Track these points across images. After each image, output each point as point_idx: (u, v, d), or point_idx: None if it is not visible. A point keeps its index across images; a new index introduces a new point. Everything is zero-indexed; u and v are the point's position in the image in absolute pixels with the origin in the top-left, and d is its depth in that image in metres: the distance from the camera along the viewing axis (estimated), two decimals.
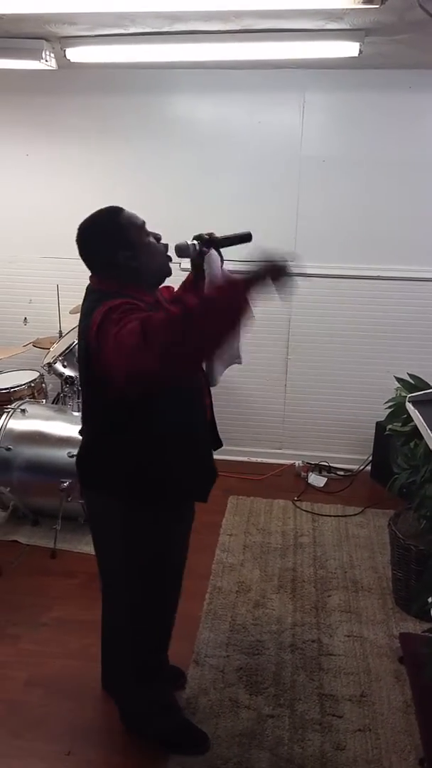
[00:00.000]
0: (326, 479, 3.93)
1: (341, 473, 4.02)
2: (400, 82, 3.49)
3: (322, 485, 3.88)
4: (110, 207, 1.78)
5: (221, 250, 1.88)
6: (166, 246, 1.80)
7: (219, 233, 1.88)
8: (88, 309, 1.69)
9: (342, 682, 2.38)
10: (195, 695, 2.30)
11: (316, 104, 3.60)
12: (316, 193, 3.73)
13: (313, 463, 4.04)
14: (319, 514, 3.55)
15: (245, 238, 1.88)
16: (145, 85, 3.66)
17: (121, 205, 1.84)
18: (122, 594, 1.94)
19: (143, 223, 1.77)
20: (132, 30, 2.71)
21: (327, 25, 2.59)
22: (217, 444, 2.03)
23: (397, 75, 3.47)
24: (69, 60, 3.01)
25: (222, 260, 1.89)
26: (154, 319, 1.45)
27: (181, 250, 1.78)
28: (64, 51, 2.93)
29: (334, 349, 3.94)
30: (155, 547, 1.86)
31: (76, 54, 2.95)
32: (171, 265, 1.81)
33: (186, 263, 1.88)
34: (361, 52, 2.76)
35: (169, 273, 1.80)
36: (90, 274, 1.80)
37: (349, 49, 2.75)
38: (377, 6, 2.16)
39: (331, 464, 4.05)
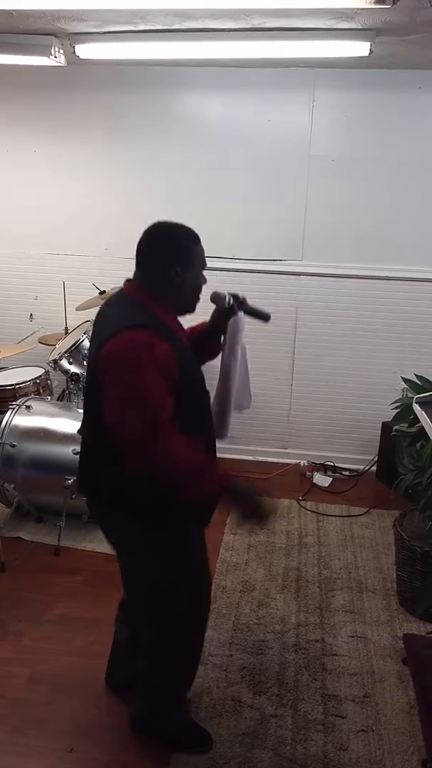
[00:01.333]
0: (331, 479, 3.93)
1: (346, 473, 4.01)
2: (410, 82, 3.48)
3: (327, 485, 3.87)
4: (188, 228, 1.79)
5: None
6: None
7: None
8: (115, 320, 1.70)
9: (345, 683, 2.38)
10: (198, 694, 2.30)
11: (326, 103, 3.59)
12: (325, 192, 3.72)
13: (318, 462, 4.03)
14: (323, 514, 3.55)
15: (266, 317, 2.04)
16: (154, 83, 3.66)
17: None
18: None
19: (205, 263, 1.84)
20: (142, 27, 2.71)
21: (338, 24, 2.58)
22: None
23: (407, 75, 3.46)
24: (78, 56, 3.01)
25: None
26: (154, 443, 1.59)
27: (218, 299, 1.95)
28: (74, 47, 2.93)
29: (341, 348, 3.93)
30: (177, 563, 1.86)
31: (85, 51, 2.95)
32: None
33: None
34: (371, 51, 2.75)
35: (193, 309, 1.86)
36: (126, 278, 1.83)
37: (360, 48, 2.74)
38: (389, 6, 2.15)
39: (337, 464, 4.04)
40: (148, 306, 1.73)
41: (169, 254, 1.74)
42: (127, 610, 2.18)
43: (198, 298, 1.84)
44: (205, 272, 1.84)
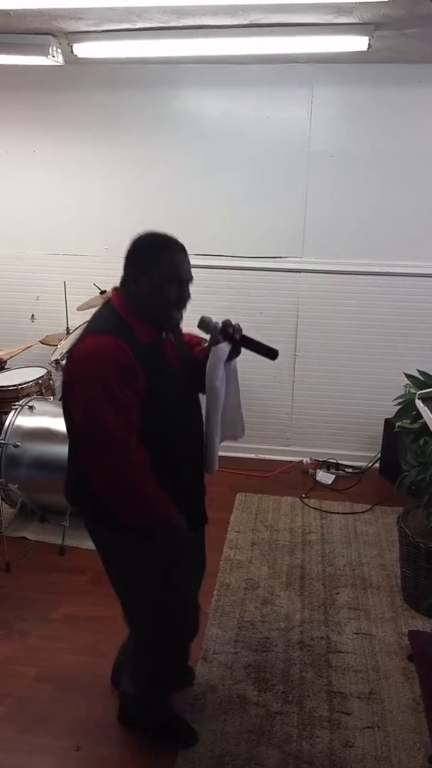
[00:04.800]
0: (334, 476, 3.92)
1: (349, 470, 4.00)
2: (409, 76, 3.46)
3: (330, 482, 3.87)
4: (168, 237, 1.74)
5: (244, 350, 1.88)
6: (179, 301, 1.76)
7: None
8: (88, 326, 1.78)
9: (350, 680, 2.38)
10: (203, 692, 2.30)
11: (324, 99, 3.58)
12: (325, 188, 3.71)
13: (321, 460, 4.03)
14: (327, 512, 3.54)
15: (270, 353, 1.87)
16: (152, 81, 3.65)
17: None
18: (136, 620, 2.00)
19: (177, 276, 1.72)
20: (139, 25, 2.70)
21: (336, 19, 2.57)
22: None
23: (406, 69, 3.44)
24: (76, 56, 3.00)
25: (232, 356, 1.87)
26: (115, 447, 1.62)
27: (203, 324, 1.82)
28: (71, 46, 2.93)
29: (343, 345, 3.93)
30: (145, 571, 1.85)
31: (82, 50, 2.94)
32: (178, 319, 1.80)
33: None
34: (370, 46, 2.74)
35: (165, 323, 1.77)
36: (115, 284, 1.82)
37: (358, 43, 2.73)
38: (387, 0, 2.14)
39: (339, 461, 4.04)
40: (121, 314, 1.72)
41: (132, 260, 1.73)
42: None
43: (167, 311, 1.74)
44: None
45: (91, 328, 1.73)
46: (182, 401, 1.83)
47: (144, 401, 1.66)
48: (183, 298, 1.75)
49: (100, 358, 1.62)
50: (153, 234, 1.75)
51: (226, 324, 1.82)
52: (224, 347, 1.82)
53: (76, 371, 1.68)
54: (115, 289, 1.79)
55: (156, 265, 1.70)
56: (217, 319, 1.85)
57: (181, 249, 1.74)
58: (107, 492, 1.68)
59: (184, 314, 1.80)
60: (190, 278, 1.76)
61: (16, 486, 3.20)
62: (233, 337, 1.82)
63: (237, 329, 1.82)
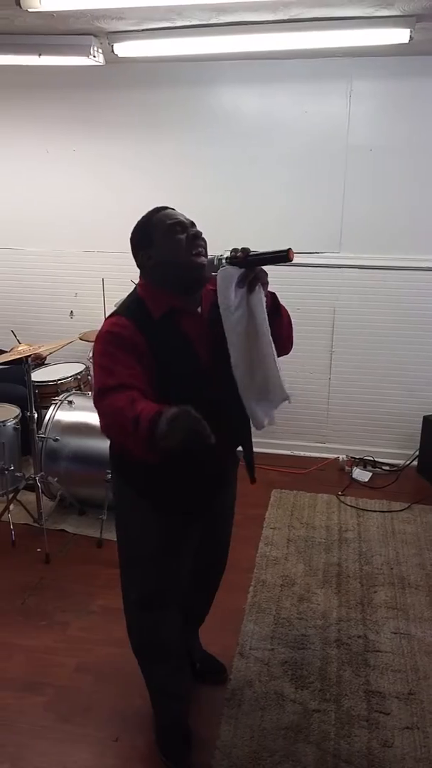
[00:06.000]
0: (371, 474, 3.89)
1: (386, 468, 3.96)
2: None
3: (366, 480, 3.84)
4: (155, 207, 1.76)
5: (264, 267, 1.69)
6: (193, 242, 1.69)
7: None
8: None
9: (389, 679, 2.36)
10: (240, 687, 2.32)
11: (364, 92, 3.54)
12: (363, 182, 3.67)
13: (357, 457, 4.00)
14: (364, 510, 3.52)
15: (280, 257, 1.62)
16: (190, 78, 3.66)
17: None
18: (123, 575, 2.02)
19: (176, 222, 1.69)
20: (179, 23, 2.72)
21: (377, 12, 2.54)
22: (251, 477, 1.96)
23: None
24: (116, 55, 3.03)
25: (250, 281, 1.67)
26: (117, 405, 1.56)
27: (210, 265, 1.68)
28: (112, 46, 2.95)
29: (381, 341, 3.88)
30: (144, 538, 1.88)
31: (123, 49, 2.97)
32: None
33: None
34: (411, 38, 2.70)
35: (193, 279, 1.70)
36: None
37: (400, 35, 2.70)
38: None
39: (377, 459, 4.00)
40: (139, 294, 1.75)
41: (134, 244, 1.76)
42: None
43: (188, 263, 1.67)
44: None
45: (118, 309, 1.80)
46: (207, 379, 1.71)
47: (157, 376, 1.65)
48: (196, 237, 1.69)
49: (102, 336, 1.68)
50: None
51: (234, 251, 1.66)
52: (229, 269, 1.65)
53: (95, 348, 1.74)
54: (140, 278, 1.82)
55: (153, 228, 1.70)
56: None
57: (166, 208, 1.75)
58: (111, 437, 1.73)
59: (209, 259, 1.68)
60: (191, 222, 1.72)
61: (56, 479, 3.26)
62: (242, 260, 1.64)
63: (243, 250, 1.66)
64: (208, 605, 2.29)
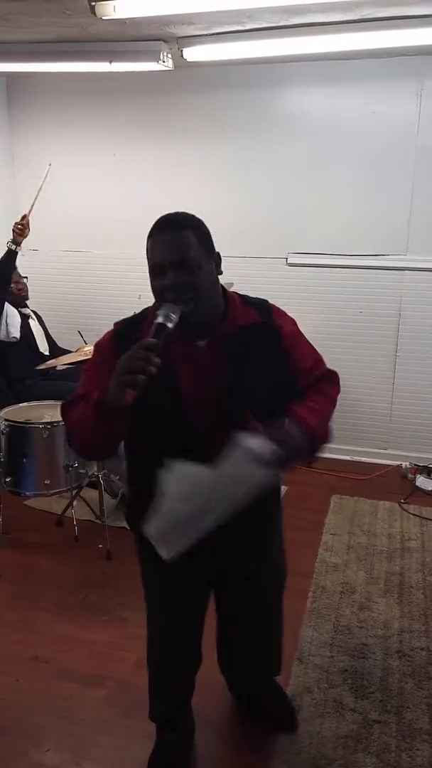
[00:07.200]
0: None
1: None
2: None
3: (430, 488, 3.73)
4: (160, 218, 1.57)
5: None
6: (164, 291, 1.47)
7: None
8: None
9: None
10: (299, 693, 2.29)
11: None
12: None
13: (421, 465, 3.89)
14: (428, 519, 3.42)
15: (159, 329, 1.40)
16: (258, 81, 3.67)
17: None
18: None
19: (154, 264, 1.47)
20: (249, 26, 2.73)
21: None
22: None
23: None
24: (185, 59, 3.07)
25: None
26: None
27: (156, 333, 1.41)
28: (181, 51, 2.99)
29: None
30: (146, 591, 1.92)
31: (192, 53, 3.00)
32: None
33: None
34: None
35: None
36: None
37: None
38: None
39: None
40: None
41: None
42: None
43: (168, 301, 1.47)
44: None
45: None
46: (188, 413, 1.51)
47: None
48: (168, 286, 1.43)
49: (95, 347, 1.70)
50: None
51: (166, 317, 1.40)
52: (259, 444, 1.32)
53: None
54: None
55: (147, 249, 1.50)
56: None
57: (164, 228, 1.47)
58: (75, 443, 1.71)
59: (194, 307, 1.45)
60: (168, 260, 1.43)
61: (118, 477, 3.32)
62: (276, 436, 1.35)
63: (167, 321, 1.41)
64: (258, 654, 2.11)
